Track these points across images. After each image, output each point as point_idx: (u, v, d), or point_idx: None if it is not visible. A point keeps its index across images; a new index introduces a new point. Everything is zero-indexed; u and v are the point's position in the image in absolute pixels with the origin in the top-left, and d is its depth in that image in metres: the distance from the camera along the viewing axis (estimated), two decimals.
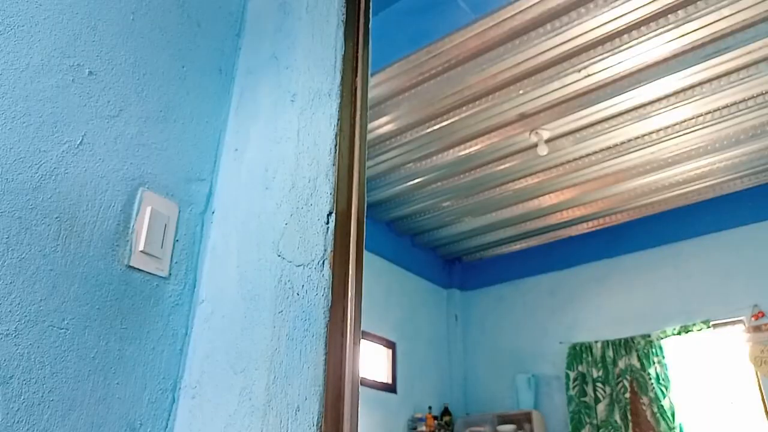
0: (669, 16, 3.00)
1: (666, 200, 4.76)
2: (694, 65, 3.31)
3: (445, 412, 5.25)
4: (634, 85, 3.48)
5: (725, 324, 4.42)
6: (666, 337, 4.62)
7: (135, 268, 0.86)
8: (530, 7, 2.98)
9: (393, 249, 5.34)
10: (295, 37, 1.02)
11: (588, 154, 4.24)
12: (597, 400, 4.78)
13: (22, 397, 0.70)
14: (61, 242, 0.79)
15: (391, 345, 5.03)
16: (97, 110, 0.88)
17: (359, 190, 0.85)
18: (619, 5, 2.93)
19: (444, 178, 4.63)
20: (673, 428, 4.35)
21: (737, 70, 3.37)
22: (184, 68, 1.03)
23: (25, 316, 0.73)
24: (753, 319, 4.28)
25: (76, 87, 0.86)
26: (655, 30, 3.06)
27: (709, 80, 3.46)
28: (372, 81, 3.47)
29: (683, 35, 3.11)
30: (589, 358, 4.94)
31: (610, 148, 4.14)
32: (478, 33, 3.15)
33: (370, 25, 1.00)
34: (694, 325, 4.50)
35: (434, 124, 3.96)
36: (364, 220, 0.85)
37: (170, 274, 0.90)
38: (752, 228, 4.48)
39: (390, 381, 4.94)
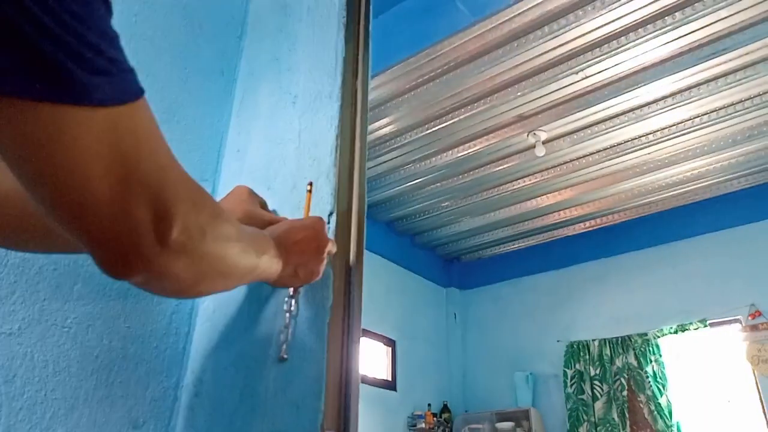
0: (666, 18, 3.01)
1: (663, 200, 4.78)
2: (692, 67, 3.32)
3: (445, 409, 5.26)
4: (632, 86, 3.49)
5: (722, 323, 4.44)
6: (663, 335, 4.64)
7: None
8: (528, 9, 2.99)
9: (393, 249, 5.35)
10: (296, 39, 1.03)
11: (585, 155, 4.25)
12: (594, 398, 4.80)
13: (25, 396, 0.70)
14: None
15: (391, 343, 5.05)
16: None
17: (360, 191, 0.86)
18: (617, 8, 2.94)
19: (443, 179, 4.64)
20: (670, 426, 4.37)
21: (734, 71, 3.38)
22: (187, 70, 1.04)
23: (29, 315, 0.73)
24: (750, 318, 4.29)
25: None
26: (653, 32, 3.07)
27: (707, 81, 3.47)
28: (372, 83, 3.44)
29: (680, 37, 3.12)
30: (587, 357, 4.95)
31: (607, 148, 4.15)
32: (477, 36, 3.16)
33: (370, 28, 1.00)
34: (691, 324, 4.52)
35: (433, 126, 3.97)
36: (365, 220, 0.86)
37: None
38: (749, 228, 4.50)
39: (390, 379, 4.95)
